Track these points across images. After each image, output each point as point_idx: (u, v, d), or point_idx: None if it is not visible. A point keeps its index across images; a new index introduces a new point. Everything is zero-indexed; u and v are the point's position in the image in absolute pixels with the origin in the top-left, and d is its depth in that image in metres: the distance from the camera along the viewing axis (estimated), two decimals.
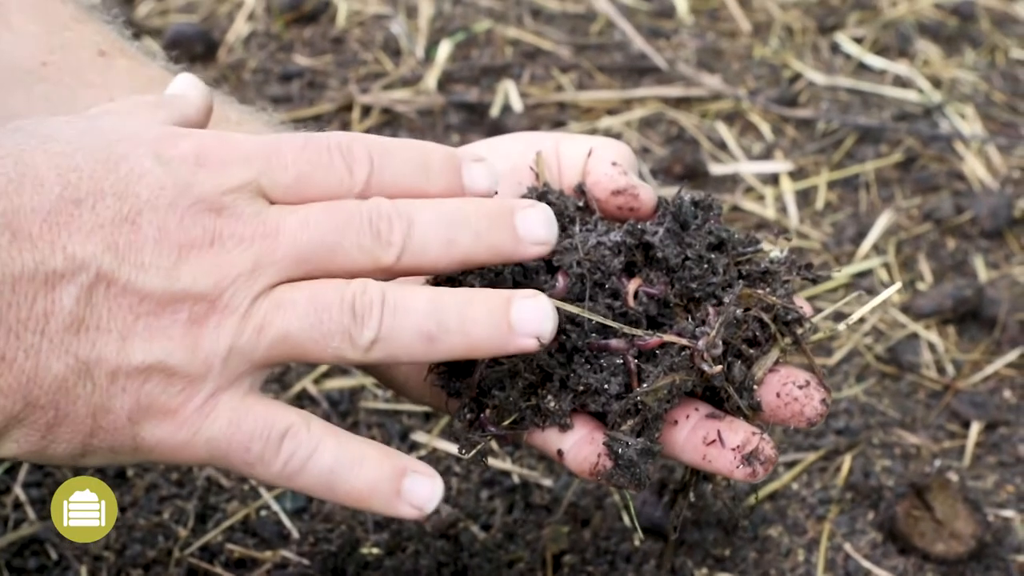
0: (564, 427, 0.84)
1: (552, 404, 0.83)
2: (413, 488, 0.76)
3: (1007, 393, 1.31)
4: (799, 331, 0.85)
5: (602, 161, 0.91)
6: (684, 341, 0.82)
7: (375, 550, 1.12)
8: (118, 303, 0.72)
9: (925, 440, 1.26)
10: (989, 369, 1.33)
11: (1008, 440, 1.27)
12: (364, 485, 0.76)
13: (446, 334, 0.74)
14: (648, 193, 0.90)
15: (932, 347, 1.35)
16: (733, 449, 0.81)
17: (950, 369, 1.33)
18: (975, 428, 1.27)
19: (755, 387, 0.84)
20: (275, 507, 1.15)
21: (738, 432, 0.82)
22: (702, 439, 0.82)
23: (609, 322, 0.82)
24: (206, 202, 0.73)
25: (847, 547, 1.15)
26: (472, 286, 0.83)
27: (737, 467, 0.81)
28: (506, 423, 0.83)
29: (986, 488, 1.22)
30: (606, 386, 0.82)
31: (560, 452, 0.84)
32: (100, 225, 0.71)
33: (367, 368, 0.94)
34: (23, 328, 0.70)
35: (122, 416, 0.73)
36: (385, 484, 0.76)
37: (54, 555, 1.10)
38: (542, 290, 0.83)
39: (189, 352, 0.73)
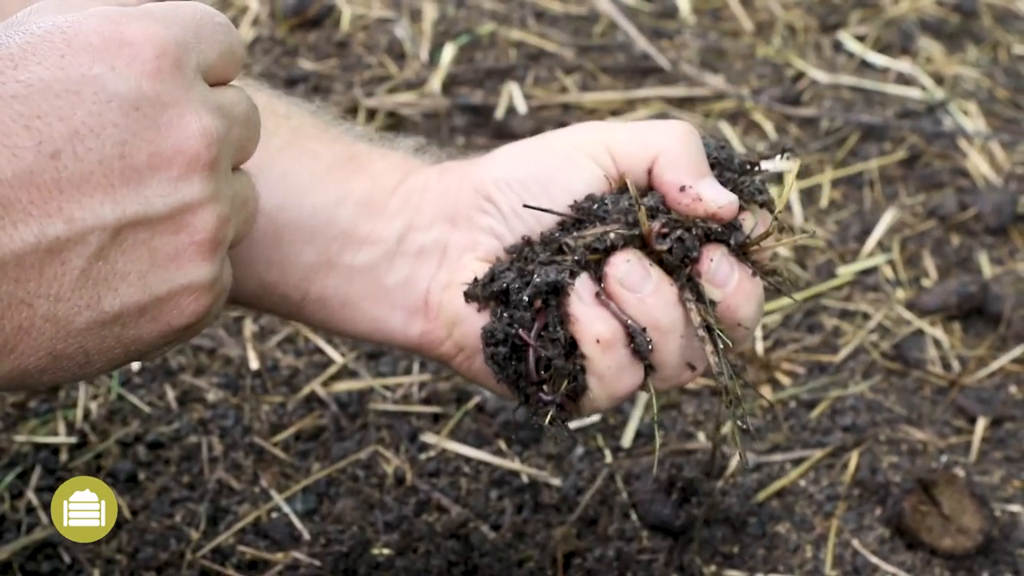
0: None
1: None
2: None
3: (1013, 388, 1.32)
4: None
5: (673, 185, 0.89)
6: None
7: (386, 551, 1.12)
8: (133, 247, 0.70)
9: (931, 436, 1.26)
10: (994, 365, 1.34)
11: (1014, 435, 1.27)
12: None
13: None
14: (714, 195, 0.88)
15: (938, 343, 1.36)
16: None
17: (956, 365, 1.34)
18: (981, 423, 1.27)
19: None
20: (286, 509, 1.16)
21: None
22: None
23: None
24: (178, 106, 0.70)
25: (855, 543, 1.16)
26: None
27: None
28: (564, 389, 0.87)
29: (993, 483, 1.22)
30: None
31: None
32: (89, 173, 0.68)
33: (448, 368, 0.95)
34: (36, 298, 0.68)
35: (154, 340, 0.73)
36: None
37: (67, 559, 1.11)
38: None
39: (205, 264, 0.73)
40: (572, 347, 0.87)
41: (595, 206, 0.88)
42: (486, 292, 0.89)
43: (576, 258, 0.86)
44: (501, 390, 0.91)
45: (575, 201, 0.89)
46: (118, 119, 0.68)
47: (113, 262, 0.70)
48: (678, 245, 0.86)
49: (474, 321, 0.89)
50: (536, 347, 0.86)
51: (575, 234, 0.87)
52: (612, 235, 0.86)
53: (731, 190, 0.89)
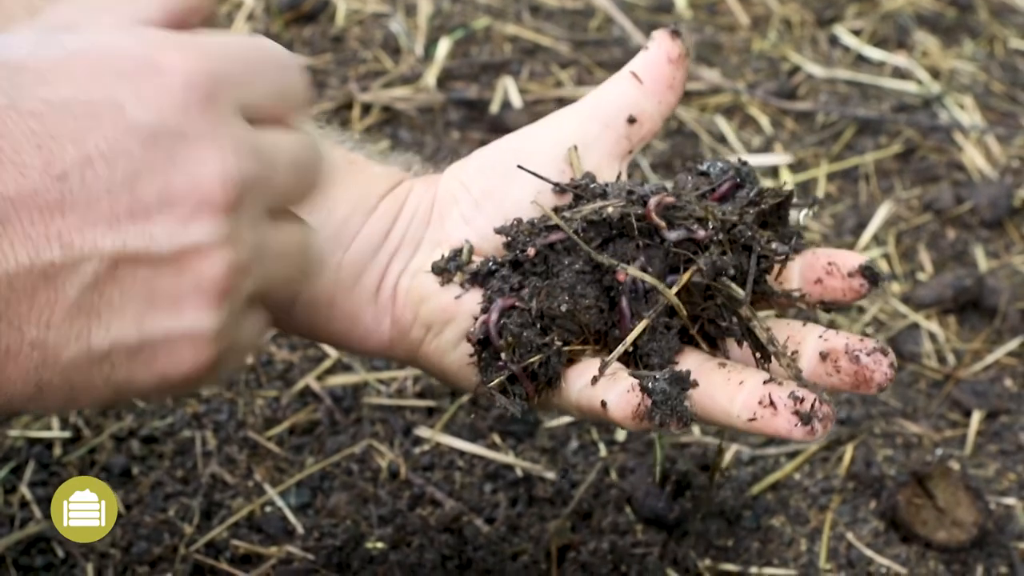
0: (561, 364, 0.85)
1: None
2: None
3: (1008, 382, 1.32)
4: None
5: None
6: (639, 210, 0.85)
7: (380, 544, 1.12)
8: (130, 282, 0.67)
9: (927, 429, 1.26)
10: (990, 358, 1.33)
11: (1009, 428, 1.27)
12: None
13: None
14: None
15: (933, 337, 1.36)
16: (793, 413, 0.79)
17: (951, 359, 1.34)
18: (976, 417, 1.27)
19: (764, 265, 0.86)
20: (280, 503, 1.16)
21: (788, 388, 0.80)
22: (756, 402, 0.80)
23: (598, 257, 0.84)
24: (202, 141, 0.67)
25: (849, 536, 1.16)
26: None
27: (795, 426, 0.79)
28: (526, 362, 0.84)
29: (987, 476, 1.22)
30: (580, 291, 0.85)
31: (604, 403, 0.82)
32: (95, 199, 0.65)
33: (418, 362, 0.94)
34: (25, 323, 0.65)
35: (147, 384, 0.70)
36: None
37: (60, 553, 1.11)
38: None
39: (209, 312, 0.69)
40: (546, 325, 0.85)
41: (593, 184, 0.88)
42: (451, 264, 0.89)
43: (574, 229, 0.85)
44: (465, 374, 0.90)
45: (572, 179, 0.89)
46: (133, 148, 0.66)
47: (108, 296, 0.67)
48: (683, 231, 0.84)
49: (439, 296, 0.89)
50: (506, 305, 0.85)
51: (573, 208, 0.86)
52: (610, 209, 0.84)
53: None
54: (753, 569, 1.13)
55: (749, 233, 0.85)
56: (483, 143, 0.92)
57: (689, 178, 0.90)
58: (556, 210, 0.87)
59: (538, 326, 0.84)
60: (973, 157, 1.57)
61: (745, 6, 1.79)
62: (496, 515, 1.16)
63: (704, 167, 0.90)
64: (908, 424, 1.27)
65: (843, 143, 1.59)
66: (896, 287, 1.41)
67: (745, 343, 0.86)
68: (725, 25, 1.76)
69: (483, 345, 0.86)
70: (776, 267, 0.88)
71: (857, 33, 1.76)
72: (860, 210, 1.50)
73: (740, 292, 0.84)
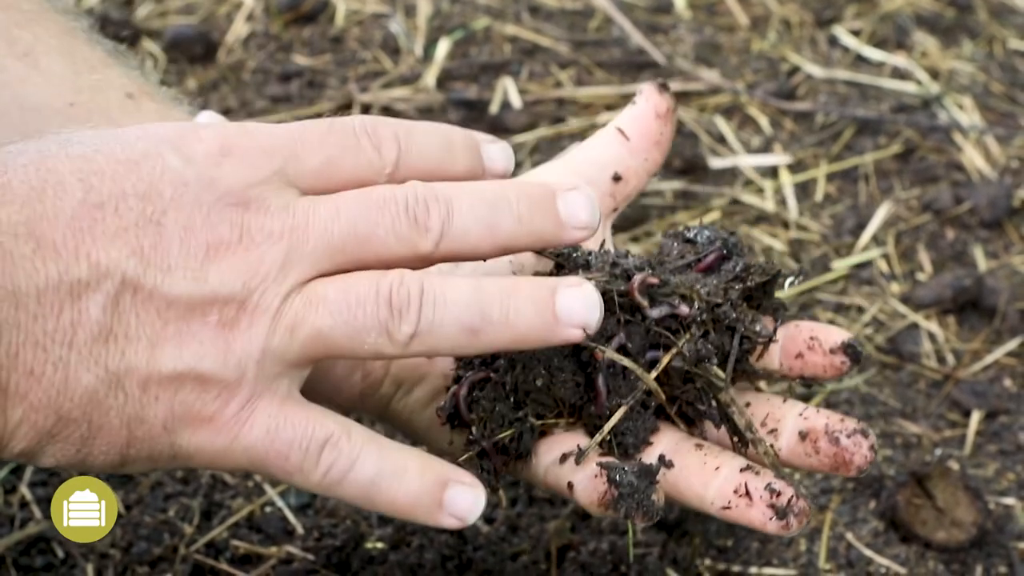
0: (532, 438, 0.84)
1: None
2: (455, 499, 0.75)
3: (1007, 382, 1.32)
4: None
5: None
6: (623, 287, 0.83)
7: (380, 544, 1.12)
8: (145, 309, 0.70)
9: (926, 429, 1.26)
10: (989, 358, 1.34)
11: (1008, 428, 1.27)
12: (405, 497, 0.75)
13: (489, 325, 0.72)
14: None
15: (932, 337, 1.36)
16: (768, 506, 0.79)
17: (950, 359, 1.34)
18: (975, 417, 1.27)
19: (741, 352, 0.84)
20: (280, 503, 1.16)
21: (765, 480, 0.80)
22: (732, 490, 0.80)
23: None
24: (232, 196, 0.72)
25: (849, 536, 1.16)
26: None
27: (769, 519, 0.79)
28: (496, 437, 0.82)
29: (987, 476, 1.22)
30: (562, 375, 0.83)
31: (570, 485, 0.82)
32: (124, 228, 0.70)
33: (388, 418, 0.93)
34: (50, 341, 0.69)
35: (157, 425, 0.72)
36: (427, 496, 0.75)
37: (60, 553, 1.11)
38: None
39: (221, 357, 0.71)
40: (520, 399, 0.83)
41: (576, 253, 0.86)
42: None
43: None
44: (434, 436, 0.89)
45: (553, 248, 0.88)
46: (166, 190, 0.71)
47: (126, 322, 0.70)
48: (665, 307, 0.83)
49: None
50: (476, 378, 0.83)
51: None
52: (592, 283, 0.80)
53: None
54: (753, 569, 1.13)
55: (733, 315, 0.84)
56: None
57: (675, 244, 0.88)
58: None
59: (512, 399, 0.83)
60: (972, 157, 1.57)
61: (745, 6, 1.80)
62: (496, 515, 1.16)
63: (691, 234, 0.88)
64: (907, 424, 1.27)
65: (842, 143, 1.59)
66: (895, 287, 1.41)
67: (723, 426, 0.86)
68: (725, 25, 1.77)
69: (452, 419, 0.85)
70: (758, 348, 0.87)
71: (856, 33, 1.76)
72: (860, 210, 1.50)
73: (721, 377, 0.83)
